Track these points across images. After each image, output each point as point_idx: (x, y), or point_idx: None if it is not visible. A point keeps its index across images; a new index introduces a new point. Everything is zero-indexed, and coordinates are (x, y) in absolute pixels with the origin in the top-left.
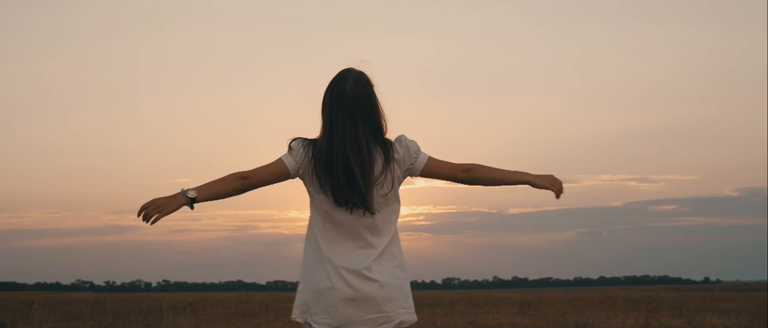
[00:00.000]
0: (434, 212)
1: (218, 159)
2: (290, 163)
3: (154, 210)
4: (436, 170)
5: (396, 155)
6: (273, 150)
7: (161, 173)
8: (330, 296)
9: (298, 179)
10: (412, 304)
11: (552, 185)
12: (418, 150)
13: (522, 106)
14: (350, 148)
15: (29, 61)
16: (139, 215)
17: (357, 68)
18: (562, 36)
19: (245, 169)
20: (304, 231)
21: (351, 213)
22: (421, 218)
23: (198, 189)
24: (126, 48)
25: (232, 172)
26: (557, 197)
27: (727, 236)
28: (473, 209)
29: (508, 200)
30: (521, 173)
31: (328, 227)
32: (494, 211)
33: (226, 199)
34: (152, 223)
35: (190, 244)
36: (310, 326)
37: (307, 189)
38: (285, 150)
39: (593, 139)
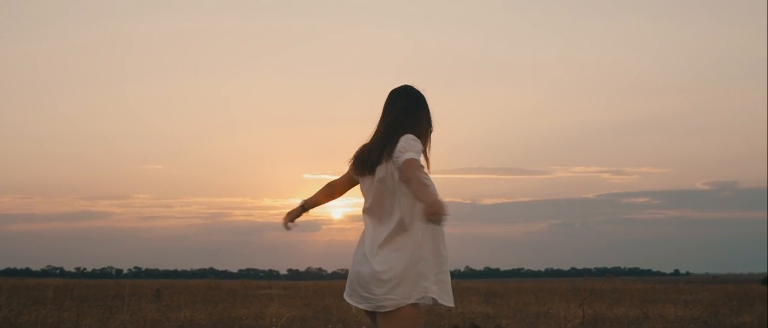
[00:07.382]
0: None
1: (198, 145)
2: None
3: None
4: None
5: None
6: (257, 138)
7: (136, 159)
8: None
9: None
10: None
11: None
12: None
13: (500, 98)
14: None
15: (11, 44)
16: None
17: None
18: (542, 27)
19: (226, 156)
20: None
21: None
22: None
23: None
24: (114, 33)
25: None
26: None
27: (698, 230)
28: (446, 199)
29: (481, 191)
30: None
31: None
32: (467, 201)
33: (201, 185)
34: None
35: (162, 231)
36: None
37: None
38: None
39: (567, 131)
